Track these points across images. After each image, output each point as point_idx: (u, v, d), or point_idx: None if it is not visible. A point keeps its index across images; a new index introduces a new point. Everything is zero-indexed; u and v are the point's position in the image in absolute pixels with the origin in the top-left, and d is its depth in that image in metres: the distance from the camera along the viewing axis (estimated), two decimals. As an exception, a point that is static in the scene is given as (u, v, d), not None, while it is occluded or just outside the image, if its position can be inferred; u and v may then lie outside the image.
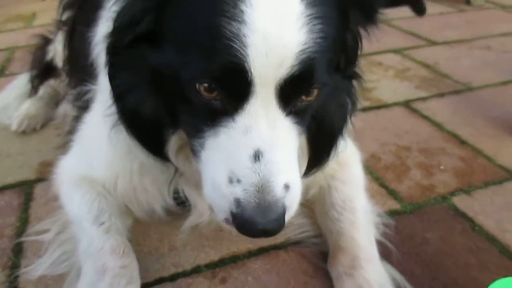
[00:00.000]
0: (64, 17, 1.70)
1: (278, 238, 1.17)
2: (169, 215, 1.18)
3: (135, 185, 1.11)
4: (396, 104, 1.83)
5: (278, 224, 0.75)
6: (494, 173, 1.42)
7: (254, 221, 0.73)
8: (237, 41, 0.69)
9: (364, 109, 1.79)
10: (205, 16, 0.73)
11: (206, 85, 0.75)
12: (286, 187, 0.76)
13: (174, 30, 0.78)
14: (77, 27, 1.49)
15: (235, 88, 0.74)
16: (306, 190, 1.19)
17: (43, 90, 1.83)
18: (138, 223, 1.20)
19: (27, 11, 3.27)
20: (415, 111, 1.78)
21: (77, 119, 1.28)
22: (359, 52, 0.90)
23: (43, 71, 1.84)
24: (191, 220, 1.14)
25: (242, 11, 0.70)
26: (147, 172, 1.07)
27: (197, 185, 0.98)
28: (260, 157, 0.74)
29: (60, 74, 1.79)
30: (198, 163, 0.84)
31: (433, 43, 2.46)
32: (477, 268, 1.09)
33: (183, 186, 1.09)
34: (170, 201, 1.14)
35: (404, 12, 3.10)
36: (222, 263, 1.11)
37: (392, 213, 1.25)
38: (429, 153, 1.52)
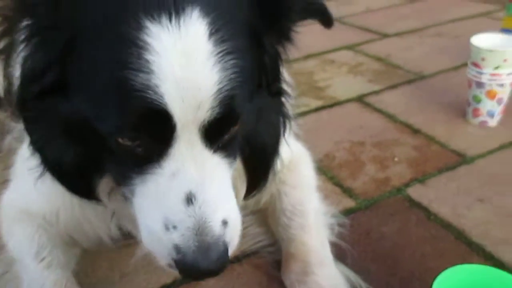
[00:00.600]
0: (1, 45, 1.64)
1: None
2: (118, 243, 1.14)
3: (78, 217, 1.06)
4: (349, 100, 1.83)
5: (221, 262, 0.74)
6: (447, 158, 1.42)
7: (197, 264, 0.73)
8: (149, 92, 0.67)
9: (318, 109, 1.78)
10: (111, 70, 0.69)
11: (125, 137, 0.73)
12: (224, 223, 0.75)
13: (83, 83, 0.75)
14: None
15: (156, 136, 0.72)
16: (258, 199, 1.17)
17: (-14, 124, 1.76)
18: (86, 253, 1.15)
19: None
20: (368, 105, 1.78)
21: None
22: (280, 70, 0.88)
23: (-15, 103, 1.78)
24: (142, 247, 1.10)
25: (148, 61, 0.66)
26: (89, 205, 1.03)
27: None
28: (193, 200, 0.72)
29: (3, 104, 1.73)
30: (132, 208, 0.82)
31: (385, 35, 2.48)
32: (433, 258, 1.07)
33: (123, 222, 1.05)
34: (116, 232, 1.10)
35: (356, 8, 3.12)
36: (174, 284, 1.07)
37: (347, 212, 1.23)
38: (383, 146, 1.51)
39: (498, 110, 1.54)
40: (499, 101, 1.53)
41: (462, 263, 1.02)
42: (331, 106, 1.79)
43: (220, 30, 0.71)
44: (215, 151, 0.76)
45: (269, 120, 0.91)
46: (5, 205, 1.16)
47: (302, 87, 1.96)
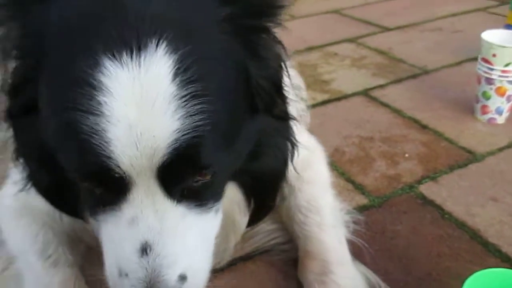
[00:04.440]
0: None
1: (245, 249, 1.11)
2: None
3: None
4: (355, 94, 1.80)
5: None
6: (457, 155, 1.41)
7: None
8: (96, 137, 0.61)
9: (324, 102, 1.75)
10: (62, 110, 0.64)
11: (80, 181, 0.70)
12: (183, 278, 0.69)
13: (45, 115, 0.70)
14: None
15: (111, 182, 0.66)
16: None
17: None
18: (92, 250, 1.10)
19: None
20: (374, 99, 1.75)
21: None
22: (279, 95, 0.81)
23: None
24: None
25: (100, 103, 0.60)
26: None
27: None
28: (148, 251, 0.67)
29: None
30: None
31: (385, 29, 2.45)
32: (450, 258, 1.06)
33: None
34: None
35: (354, 1, 3.07)
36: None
37: (360, 208, 1.21)
38: (392, 142, 1.49)
39: (506, 107, 1.54)
40: (508, 99, 1.52)
41: (479, 264, 1.02)
42: (337, 99, 1.76)
43: (189, 70, 0.62)
44: (180, 201, 0.70)
45: (274, 144, 0.85)
46: (4, 200, 1.10)
47: (307, 80, 1.92)
